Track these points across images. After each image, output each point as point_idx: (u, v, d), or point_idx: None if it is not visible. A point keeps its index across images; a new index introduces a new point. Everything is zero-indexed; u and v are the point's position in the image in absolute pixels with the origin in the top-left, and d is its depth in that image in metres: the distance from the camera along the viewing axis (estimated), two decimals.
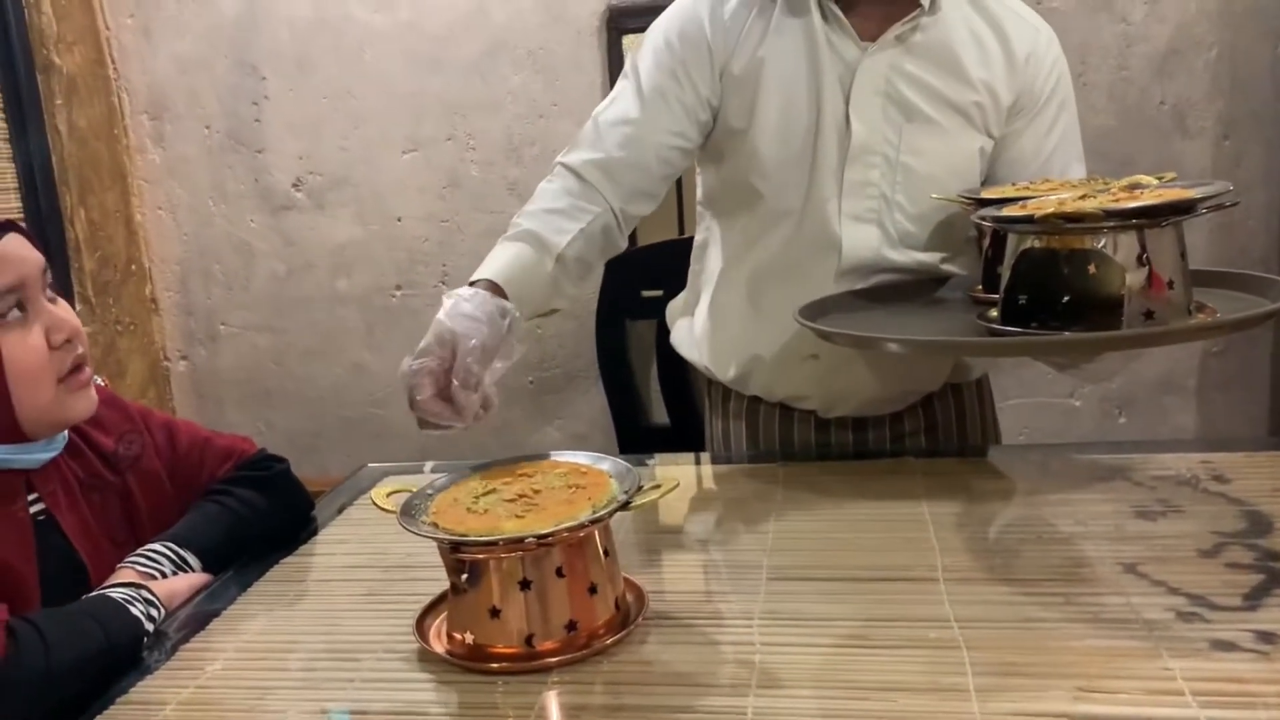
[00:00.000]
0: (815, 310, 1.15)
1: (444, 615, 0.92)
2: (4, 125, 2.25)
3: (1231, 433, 2.19)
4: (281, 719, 0.81)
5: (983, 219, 1.05)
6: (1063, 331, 0.98)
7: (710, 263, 1.38)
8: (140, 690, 0.87)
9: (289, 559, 1.14)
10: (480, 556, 0.85)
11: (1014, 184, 1.19)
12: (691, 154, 1.27)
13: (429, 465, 1.37)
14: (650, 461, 1.36)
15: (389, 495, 0.95)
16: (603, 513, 0.85)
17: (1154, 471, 1.16)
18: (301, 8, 2.35)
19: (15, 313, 0.97)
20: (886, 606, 0.90)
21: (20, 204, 2.27)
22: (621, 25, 2.27)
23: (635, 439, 2.28)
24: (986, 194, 1.14)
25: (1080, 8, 2.07)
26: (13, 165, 2.27)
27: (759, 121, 1.22)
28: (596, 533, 0.88)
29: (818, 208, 1.23)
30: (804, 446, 1.37)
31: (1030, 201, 1.03)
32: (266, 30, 2.38)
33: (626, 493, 0.88)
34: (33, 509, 1.02)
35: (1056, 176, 1.20)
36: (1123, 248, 0.95)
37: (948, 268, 1.27)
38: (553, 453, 1.00)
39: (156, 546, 1.06)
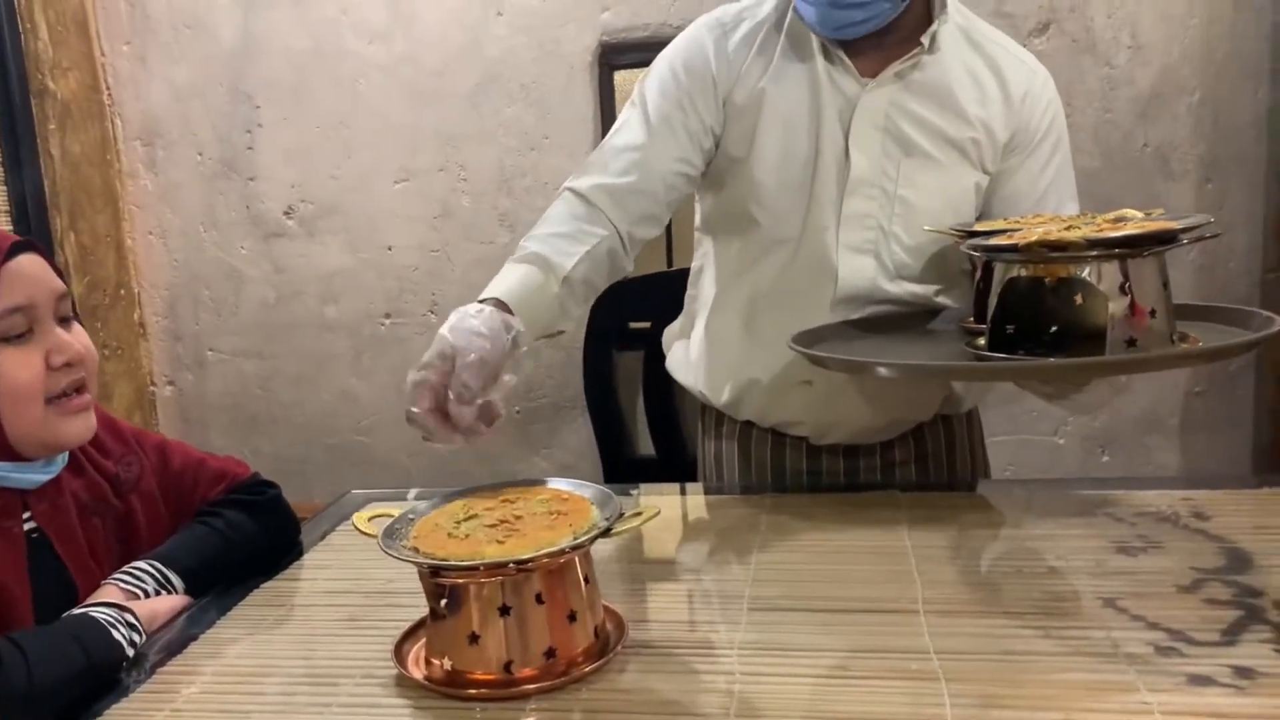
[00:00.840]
0: (809, 338, 1.17)
1: (423, 641, 0.92)
2: None
3: (1214, 472, 2.20)
4: None
5: (971, 248, 1.08)
6: (1047, 358, 1.00)
7: (706, 288, 1.40)
8: (116, 712, 0.87)
9: (270, 583, 1.13)
10: (460, 581, 0.85)
11: (1005, 219, 1.20)
12: (695, 180, 1.29)
13: (413, 493, 1.36)
14: (634, 491, 1.36)
15: (371, 519, 0.95)
16: (583, 539, 0.86)
17: (1135, 508, 1.17)
18: (298, 39, 2.37)
19: (22, 332, 0.97)
20: (867, 638, 0.90)
21: (11, 226, 2.27)
22: (613, 61, 2.30)
23: (621, 469, 2.28)
24: (978, 227, 1.16)
25: (1065, 51, 2.10)
26: (4, 189, 2.27)
27: (758, 151, 1.24)
28: (577, 559, 0.88)
29: (815, 237, 1.25)
30: (795, 473, 1.38)
31: (1017, 232, 1.04)
32: (263, 60, 2.40)
33: (608, 519, 0.88)
34: (27, 527, 1.01)
35: (1050, 213, 1.22)
36: (1106, 277, 0.97)
37: (941, 300, 1.28)
38: (535, 479, 1.00)
39: (142, 564, 1.05)
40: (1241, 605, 0.92)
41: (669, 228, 2.36)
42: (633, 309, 2.29)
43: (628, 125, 1.27)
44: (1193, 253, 2.12)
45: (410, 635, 0.94)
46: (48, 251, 1.13)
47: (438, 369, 1.04)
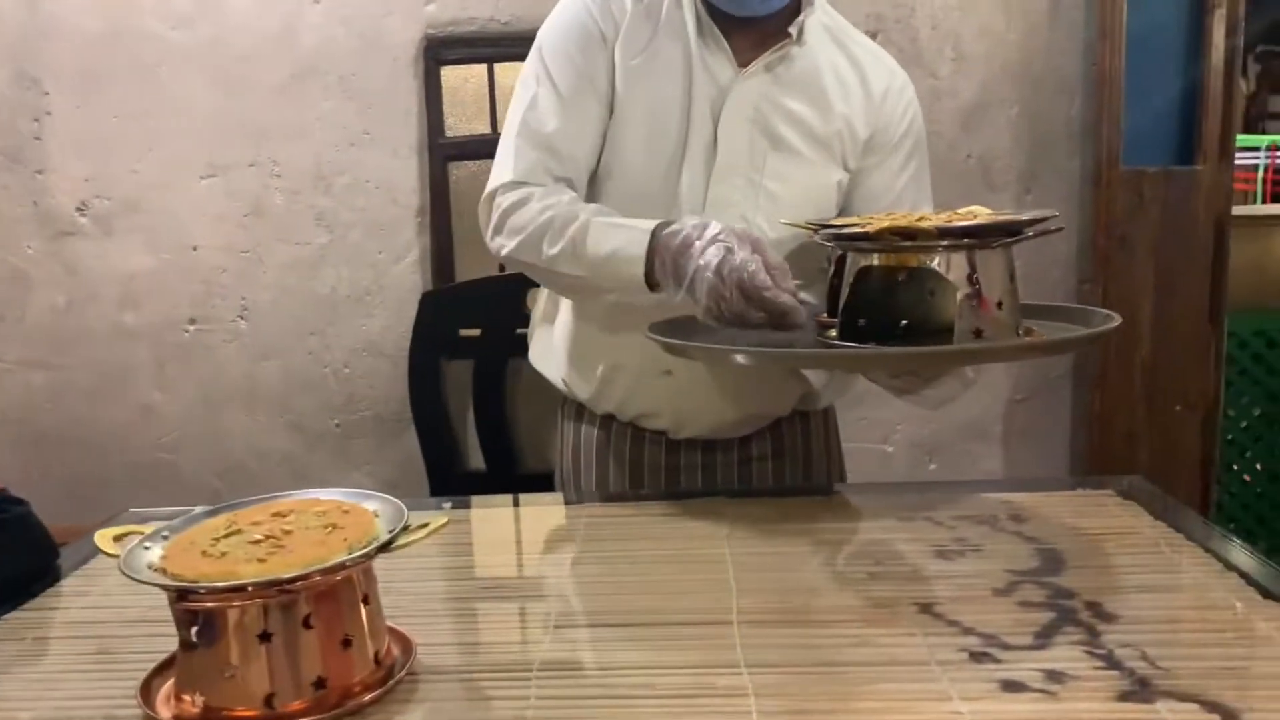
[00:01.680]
0: (667, 328, 1.13)
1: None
2: None
3: (1033, 476, 2.25)
4: None
5: (824, 238, 1.07)
6: (900, 348, 0.99)
7: None
8: None
9: (14, 614, 0.99)
10: (211, 606, 0.74)
11: (860, 215, 1.20)
12: None
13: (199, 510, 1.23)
14: (446, 504, 1.27)
15: (117, 538, 0.83)
16: (358, 554, 0.76)
17: (955, 512, 1.15)
18: (93, 20, 2.18)
19: None
20: (675, 653, 0.84)
21: None
22: (440, 56, 2.20)
23: (449, 485, 2.18)
24: (833, 221, 1.14)
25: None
26: None
27: (628, 127, 1.23)
28: (355, 578, 0.79)
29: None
30: (654, 468, 1.36)
31: (869, 225, 1.04)
32: (53, 41, 2.19)
33: (390, 532, 0.80)
34: None
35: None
36: (954, 267, 0.98)
37: (801, 295, 1.26)
38: (315, 491, 0.90)
39: None
40: (1054, 607, 0.90)
41: None
42: (462, 316, 2.20)
43: (542, 108, 1.23)
44: (1016, 261, 2.16)
45: (163, 670, 0.83)
46: None
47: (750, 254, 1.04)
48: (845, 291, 1.04)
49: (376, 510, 0.84)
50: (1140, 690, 0.75)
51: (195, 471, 2.31)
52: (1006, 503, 1.19)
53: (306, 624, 0.76)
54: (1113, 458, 2.18)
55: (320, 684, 0.76)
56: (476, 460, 2.25)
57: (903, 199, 1.28)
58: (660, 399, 1.31)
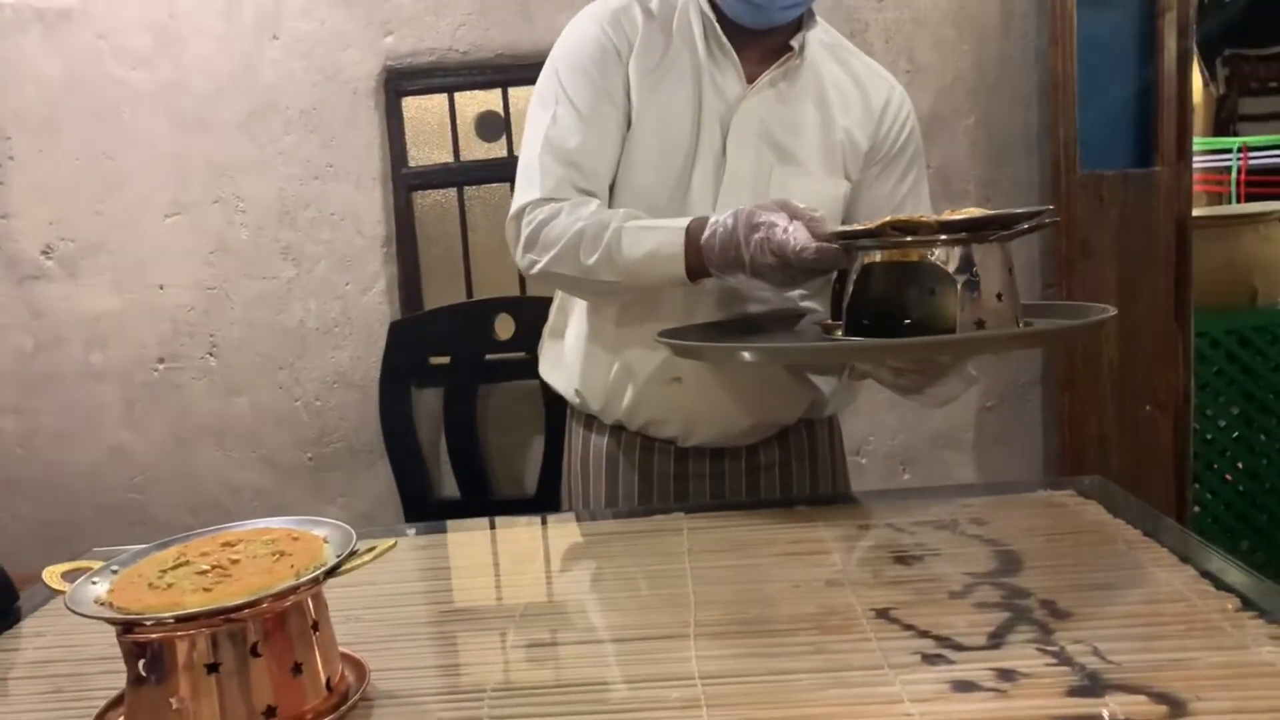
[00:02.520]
0: (675, 336, 1.17)
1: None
2: None
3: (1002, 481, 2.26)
4: None
5: (828, 238, 1.09)
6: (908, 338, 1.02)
7: None
8: None
9: None
10: (156, 637, 0.74)
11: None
12: None
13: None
14: (410, 531, 1.26)
15: (65, 574, 0.82)
16: (304, 580, 0.76)
17: (917, 518, 1.16)
18: (50, 64, 2.19)
19: None
20: (631, 667, 0.84)
21: None
22: (400, 87, 2.21)
23: (424, 514, 2.17)
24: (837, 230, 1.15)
25: None
26: None
27: (639, 139, 1.26)
28: (304, 604, 0.79)
29: None
30: (662, 477, 1.37)
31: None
32: (11, 88, 2.20)
33: (338, 557, 0.79)
34: None
35: None
36: (954, 260, 1.01)
37: (807, 304, 1.30)
38: (266, 520, 0.90)
39: None
40: (1010, 607, 0.90)
41: (466, 259, 2.30)
42: (432, 344, 2.20)
43: (562, 126, 1.25)
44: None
45: (116, 705, 0.82)
46: None
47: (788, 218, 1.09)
48: (849, 290, 1.08)
49: (326, 536, 0.84)
50: (1090, 685, 0.75)
51: (168, 510, 2.30)
52: (968, 507, 1.19)
53: (255, 652, 0.75)
54: (1085, 460, 2.19)
55: (271, 712, 0.76)
56: (450, 488, 2.25)
57: (902, 209, 1.30)
58: (670, 406, 1.32)
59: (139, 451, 2.29)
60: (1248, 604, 0.86)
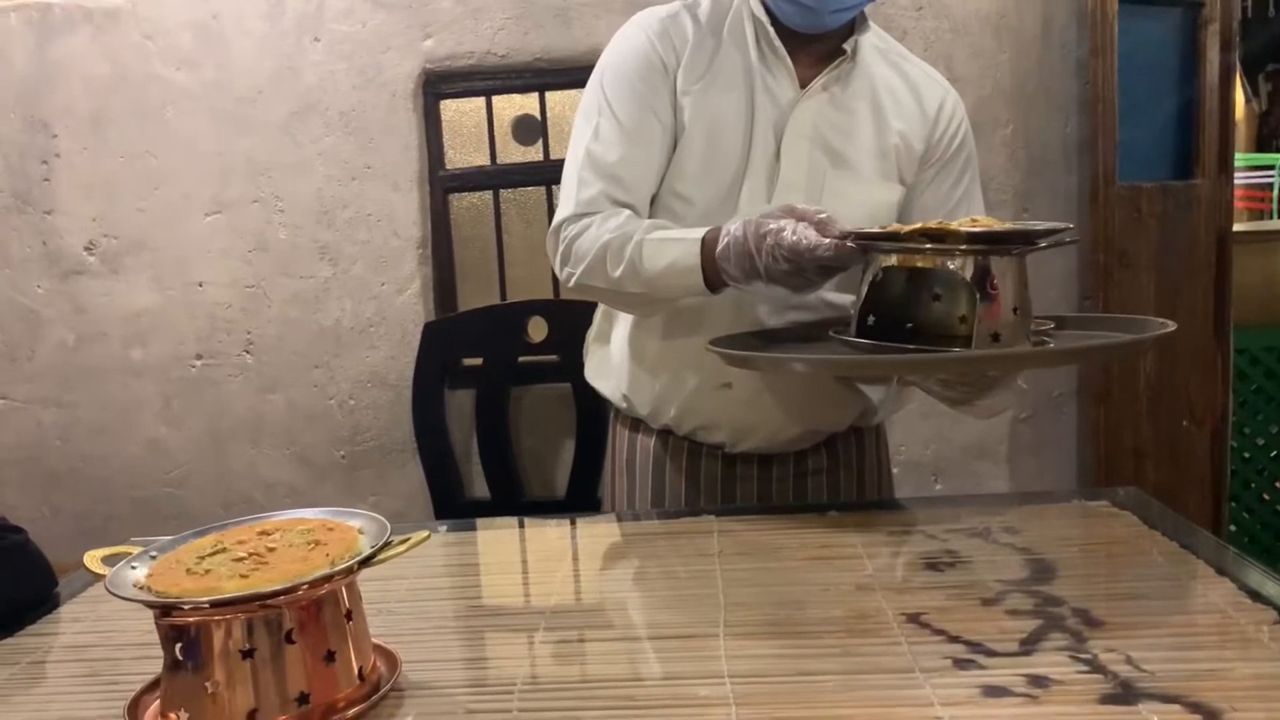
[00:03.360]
0: (725, 344, 1.16)
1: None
2: None
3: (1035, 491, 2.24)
4: None
5: (849, 236, 1.07)
6: (920, 351, 1.02)
7: None
8: None
9: (11, 640, 1.00)
10: (193, 622, 0.75)
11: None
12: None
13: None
14: (442, 527, 1.27)
15: (105, 559, 0.84)
16: (339, 568, 0.77)
17: (949, 524, 1.15)
18: (99, 65, 2.23)
19: None
20: (660, 665, 0.84)
21: None
22: (439, 90, 2.23)
23: (454, 514, 2.19)
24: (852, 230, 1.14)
25: None
26: None
27: (689, 147, 1.25)
28: (339, 593, 0.79)
29: None
30: (710, 479, 1.37)
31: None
32: (60, 87, 2.24)
33: (372, 547, 0.80)
34: None
35: None
36: (971, 270, 1.00)
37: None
38: (301, 510, 0.91)
39: None
40: (1042, 614, 0.89)
41: (501, 262, 2.31)
42: (465, 345, 2.22)
43: (604, 140, 1.25)
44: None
45: (151, 689, 0.83)
46: None
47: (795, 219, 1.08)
48: (864, 291, 1.07)
49: (361, 527, 0.85)
50: (1123, 693, 0.74)
51: (202, 505, 2.33)
52: (1001, 515, 1.18)
53: (289, 639, 0.76)
54: (1120, 475, 2.16)
55: (304, 699, 0.76)
56: (481, 489, 2.26)
57: (957, 212, 1.30)
58: (720, 412, 1.32)
59: (175, 446, 2.32)
60: None
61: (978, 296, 1.00)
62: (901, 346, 1.03)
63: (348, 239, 2.23)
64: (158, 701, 0.81)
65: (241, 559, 0.79)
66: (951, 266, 1.01)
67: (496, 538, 1.27)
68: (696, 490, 1.37)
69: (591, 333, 1.48)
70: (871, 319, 1.06)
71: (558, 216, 1.27)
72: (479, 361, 2.22)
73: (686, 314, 1.28)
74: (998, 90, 2.15)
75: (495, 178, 2.28)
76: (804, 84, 1.25)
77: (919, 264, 1.03)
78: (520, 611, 1.01)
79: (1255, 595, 0.90)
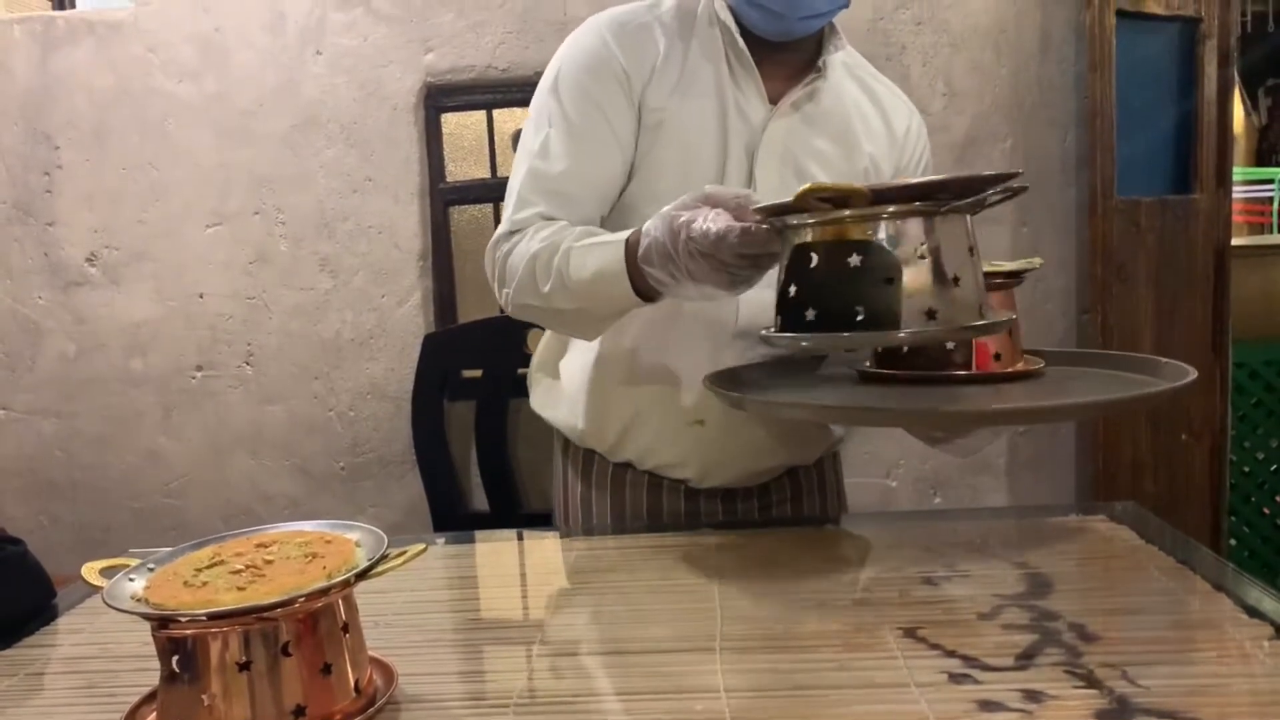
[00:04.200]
0: (716, 380, 1.10)
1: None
2: None
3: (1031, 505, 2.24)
4: None
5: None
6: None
7: None
8: None
9: (9, 651, 1.01)
10: (190, 634, 0.75)
11: None
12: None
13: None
14: (440, 540, 1.27)
15: (103, 571, 0.84)
16: (336, 581, 0.77)
17: (946, 539, 1.15)
18: (101, 77, 2.24)
19: None
20: (655, 680, 0.84)
21: None
22: (440, 103, 2.24)
23: (454, 526, 2.18)
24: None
25: None
26: None
27: (658, 168, 1.19)
28: (335, 605, 0.80)
29: None
30: (673, 515, 1.32)
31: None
32: (62, 99, 2.25)
33: (369, 560, 0.80)
34: None
35: None
36: (899, 237, 0.87)
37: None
38: (299, 523, 0.92)
39: None
40: (1038, 629, 0.89)
41: None
42: (464, 357, 2.22)
43: (552, 154, 1.17)
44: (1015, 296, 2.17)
45: (149, 701, 0.84)
46: None
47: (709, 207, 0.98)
48: (782, 277, 0.93)
49: (358, 540, 0.85)
50: (1119, 709, 0.74)
51: (201, 516, 2.33)
52: (998, 529, 1.19)
53: (285, 651, 0.76)
54: (1119, 489, 2.16)
55: (300, 712, 0.76)
56: (480, 501, 2.26)
57: None
58: (689, 450, 1.26)
59: (175, 457, 2.32)
60: None
61: (902, 267, 0.86)
62: (835, 335, 0.90)
63: (348, 251, 2.24)
64: (155, 714, 0.81)
65: (239, 571, 0.79)
66: (876, 236, 0.87)
67: (495, 550, 1.27)
68: (659, 525, 1.30)
69: (535, 361, 1.42)
70: (796, 313, 0.91)
71: (495, 234, 1.20)
72: (478, 374, 2.22)
73: (655, 339, 1.23)
74: (996, 105, 2.16)
75: (495, 190, 2.28)
76: (773, 99, 1.20)
77: (831, 236, 0.89)
78: (517, 625, 1.01)
79: (1253, 611, 0.90)
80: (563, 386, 1.35)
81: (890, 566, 1.09)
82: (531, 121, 1.22)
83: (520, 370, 2.19)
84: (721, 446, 1.26)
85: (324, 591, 0.76)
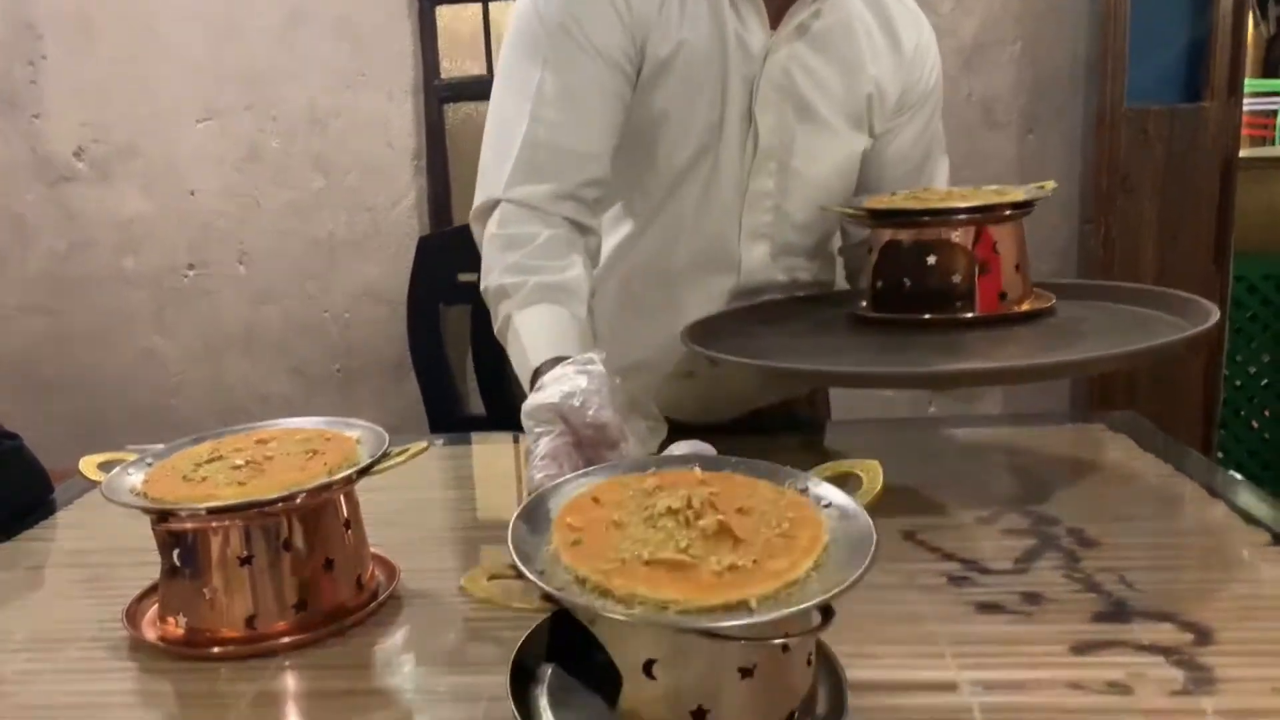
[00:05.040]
0: (701, 331, 1.06)
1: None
2: None
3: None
4: None
5: (852, 212, 1.10)
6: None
7: None
8: None
9: (9, 544, 1.01)
10: (190, 528, 0.75)
11: (893, 192, 1.13)
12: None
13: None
14: (439, 441, 1.27)
15: (100, 464, 0.84)
16: (338, 478, 0.77)
17: (947, 445, 1.15)
18: None
19: None
20: None
21: None
22: None
23: (450, 429, 2.18)
24: (872, 203, 1.08)
25: None
26: None
27: (658, 111, 1.09)
28: (336, 501, 0.79)
29: (715, 221, 1.13)
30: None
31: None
32: None
33: (371, 458, 0.80)
34: None
35: (927, 171, 1.22)
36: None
37: (822, 278, 1.23)
38: (298, 419, 0.91)
39: None
40: (1037, 534, 0.90)
41: None
42: (461, 260, 2.19)
43: (536, 111, 1.03)
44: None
45: (149, 594, 0.84)
46: None
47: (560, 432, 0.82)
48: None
49: (358, 437, 0.85)
50: (1116, 611, 0.75)
51: (196, 415, 2.33)
52: (996, 437, 1.19)
53: (287, 546, 0.76)
54: (1114, 401, 2.17)
55: (301, 606, 0.77)
56: (476, 405, 2.26)
57: (928, 158, 1.23)
58: (680, 398, 1.21)
59: (169, 357, 2.31)
60: (1278, 539, 0.86)
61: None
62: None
63: (341, 148, 2.20)
64: (156, 606, 0.82)
65: (238, 467, 0.79)
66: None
67: (493, 451, 1.27)
68: None
69: None
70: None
71: (478, 196, 1.06)
72: (475, 277, 2.19)
73: (650, 290, 1.17)
74: (1006, 8, 2.10)
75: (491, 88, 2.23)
76: (774, 22, 1.10)
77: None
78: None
79: (1248, 518, 0.91)
80: None
81: (888, 472, 1.08)
82: (517, 56, 1.07)
83: None
84: (712, 396, 1.22)
85: (326, 487, 0.76)
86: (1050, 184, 1.08)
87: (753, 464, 0.72)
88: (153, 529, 0.77)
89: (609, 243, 1.18)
